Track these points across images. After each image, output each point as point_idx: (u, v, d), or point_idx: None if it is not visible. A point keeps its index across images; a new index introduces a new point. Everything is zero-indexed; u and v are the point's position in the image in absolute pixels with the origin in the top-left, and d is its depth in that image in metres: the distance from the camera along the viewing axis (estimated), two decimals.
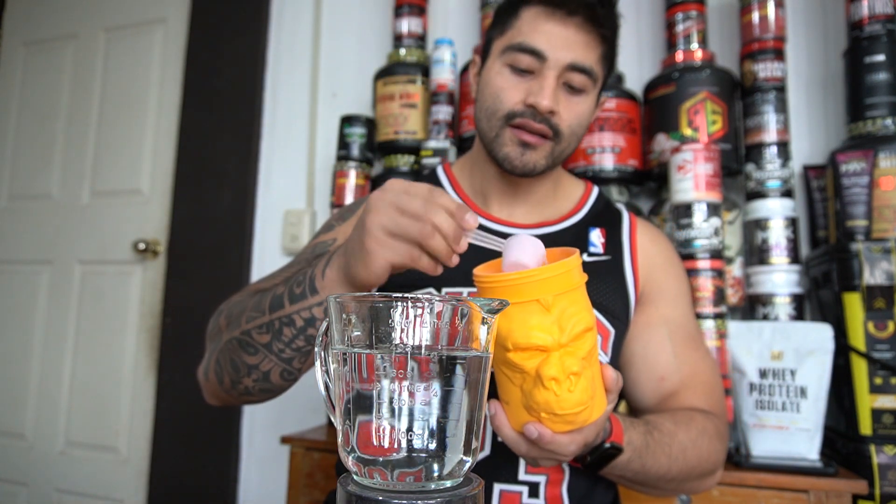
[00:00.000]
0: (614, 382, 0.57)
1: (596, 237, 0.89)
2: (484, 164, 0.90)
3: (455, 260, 0.59)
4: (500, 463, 0.75)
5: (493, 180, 0.89)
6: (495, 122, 0.83)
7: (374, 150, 1.51)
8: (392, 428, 0.41)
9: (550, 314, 0.52)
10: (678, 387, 0.84)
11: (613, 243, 0.89)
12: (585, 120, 0.85)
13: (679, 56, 1.28)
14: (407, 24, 1.51)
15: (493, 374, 0.56)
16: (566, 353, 0.52)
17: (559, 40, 0.80)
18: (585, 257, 0.86)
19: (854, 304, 1.03)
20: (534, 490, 0.74)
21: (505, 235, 0.87)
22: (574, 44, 0.80)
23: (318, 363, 0.48)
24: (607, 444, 0.64)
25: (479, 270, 0.58)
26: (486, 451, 0.75)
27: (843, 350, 1.04)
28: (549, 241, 0.86)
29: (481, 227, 0.87)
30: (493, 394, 0.59)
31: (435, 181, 0.93)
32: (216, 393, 0.77)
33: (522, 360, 0.52)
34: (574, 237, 0.88)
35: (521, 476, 0.75)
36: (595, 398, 0.55)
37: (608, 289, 0.85)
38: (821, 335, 1.04)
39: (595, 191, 0.96)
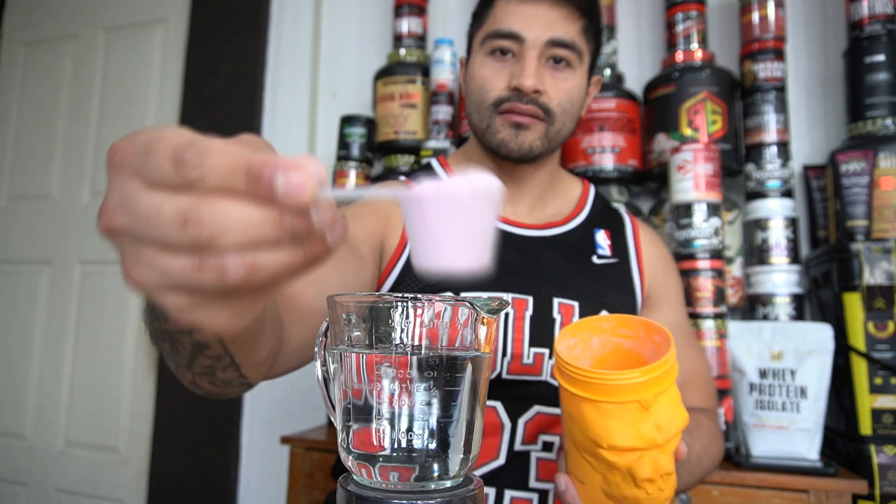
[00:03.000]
0: (684, 455, 0.56)
1: (602, 239, 0.89)
2: (481, 160, 0.89)
3: (333, 241, 0.28)
4: (512, 471, 0.75)
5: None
6: (484, 113, 0.82)
7: (374, 150, 1.51)
8: (392, 428, 0.41)
9: (649, 413, 0.50)
10: (680, 385, 0.84)
11: (619, 246, 0.89)
12: (577, 97, 0.83)
13: (679, 56, 1.28)
14: (407, 24, 1.51)
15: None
16: (661, 452, 0.50)
17: (535, 20, 0.79)
18: (595, 259, 0.86)
19: (854, 304, 1.03)
20: (543, 498, 0.75)
21: (515, 238, 0.86)
22: (550, 19, 0.80)
23: (318, 363, 0.48)
24: None
25: (564, 352, 0.53)
26: (501, 461, 0.75)
27: (843, 350, 1.04)
28: (558, 242, 0.86)
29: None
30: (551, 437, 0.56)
31: (432, 176, 0.92)
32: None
33: (615, 458, 0.50)
34: (581, 239, 0.88)
35: (532, 484, 0.75)
36: (675, 482, 0.54)
37: (618, 291, 0.85)
38: (821, 335, 1.04)
39: (592, 189, 0.96)
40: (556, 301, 0.80)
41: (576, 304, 0.80)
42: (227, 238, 0.25)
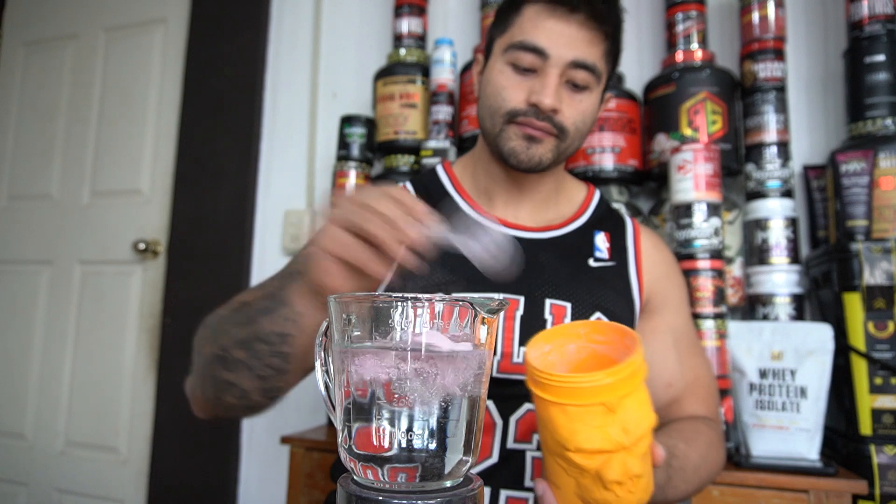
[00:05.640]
0: (662, 460, 0.57)
1: (601, 242, 0.88)
2: (488, 163, 0.89)
3: (403, 253, 0.54)
4: (507, 470, 0.75)
5: (497, 179, 0.89)
6: (498, 120, 0.82)
7: (374, 150, 1.51)
8: (392, 428, 0.41)
9: (615, 415, 0.50)
10: (682, 392, 0.86)
11: (618, 249, 0.89)
12: (590, 117, 0.84)
13: (679, 56, 1.28)
14: (407, 24, 1.51)
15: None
16: (629, 454, 0.51)
17: (561, 38, 0.79)
18: (591, 262, 0.86)
19: (854, 304, 1.03)
20: None
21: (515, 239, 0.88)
22: (576, 41, 0.79)
23: (318, 363, 0.48)
24: None
25: (535, 359, 0.55)
26: (494, 459, 0.75)
27: (843, 350, 1.04)
28: (555, 244, 0.87)
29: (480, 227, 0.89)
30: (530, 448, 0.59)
31: (435, 180, 0.92)
32: (203, 407, 0.74)
33: (583, 461, 0.51)
34: (580, 241, 0.88)
35: (528, 483, 0.75)
36: (650, 486, 0.54)
37: (614, 294, 0.85)
38: (821, 335, 1.04)
39: (597, 194, 0.96)
40: (548, 302, 0.80)
41: (568, 305, 0.80)
42: (383, 215, 0.53)
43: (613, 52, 0.85)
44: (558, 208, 0.92)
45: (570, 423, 0.50)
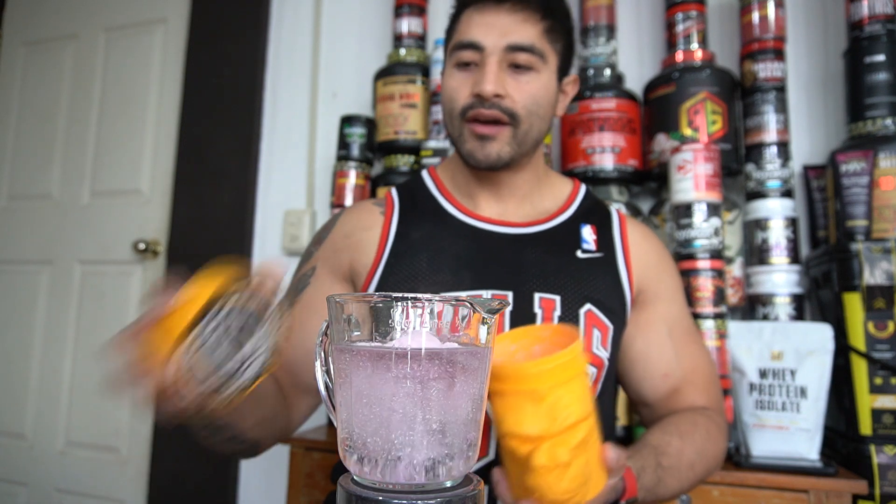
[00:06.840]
0: (615, 462, 0.56)
1: (588, 234, 0.89)
2: (464, 165, 0.91)
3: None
4: None
5: (475, 180, 0.90)
6: (455, 122, 0.85)
7: (374, 150, 1.51)
8: (392, 427, 0.41)
9: (544, 404, 0.51)
10: (680, 382, 0.85)
11: (605, 240, 0.89)
12: (543, 98, 0.84)
13: (679, 56, 1.28)
14: (407, 24, 1.51)
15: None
16: (557, 443, 0.52)
17: (493, 28, 0.82)
18: (579, 254, 0.87)
19: (854, 304, 1.03)
20: None
21: (498, 236, 0.89)
22: (508, 26, 0.82)
23: (318, 363, 0.48)
24: (623, 503, 0.64)
25: (501, 355, 0.58)
26: (491, 457, 0.76)
27: (843, 350, 1.04)
28: (542, 238, 0.87)
29: (476, 229, 0.88)
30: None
31: (421, 185, 0.93)
32: None
33: (515, 446, 0.53)
34: (567, 234, 0.88)
35: None
36: (589, 482, 0.55)
37: (604, 285, 0.85)
38: (821, 335, 1.04)
39: (583, 188, 0.96)
40: (536, 296, 0.80)
41: (558, 297, 0.81)
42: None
43: (558, 29, 0.85)
44: (543, 203, 0.92)
45: (504, 408, 0.53)
